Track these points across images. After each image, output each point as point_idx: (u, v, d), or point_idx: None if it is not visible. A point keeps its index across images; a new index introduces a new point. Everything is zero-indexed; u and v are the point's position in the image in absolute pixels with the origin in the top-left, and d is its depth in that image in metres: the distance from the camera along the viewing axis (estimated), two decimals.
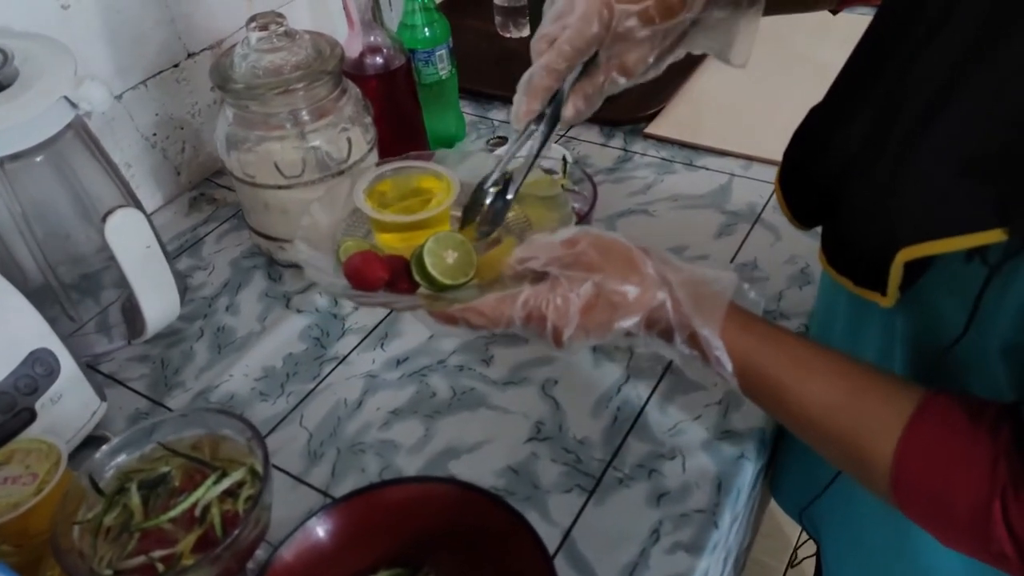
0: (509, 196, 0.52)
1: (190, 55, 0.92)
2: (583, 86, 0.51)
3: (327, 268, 0.49)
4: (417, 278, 0.47)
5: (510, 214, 0.53)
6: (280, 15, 0.73)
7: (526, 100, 0.50)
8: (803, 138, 0.56)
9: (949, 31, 0.42)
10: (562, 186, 0.76)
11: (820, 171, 0.53)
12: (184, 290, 0.82)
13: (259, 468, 0.50)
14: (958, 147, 0.39)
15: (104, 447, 0.51)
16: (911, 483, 0.41)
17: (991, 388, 0.43)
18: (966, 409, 0.40)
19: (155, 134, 0.92)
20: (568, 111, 0.51)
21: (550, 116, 0.51)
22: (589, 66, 0.50)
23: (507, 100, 1.06)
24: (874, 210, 0.45)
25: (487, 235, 0.52)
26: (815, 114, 0.56)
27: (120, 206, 0.63)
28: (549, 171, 0.79)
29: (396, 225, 0.52)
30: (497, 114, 1.05)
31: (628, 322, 0.44)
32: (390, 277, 0.47)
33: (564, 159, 0.78)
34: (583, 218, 0.73)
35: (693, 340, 0.44)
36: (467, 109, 1.05)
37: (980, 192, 0.38)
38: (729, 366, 0.44)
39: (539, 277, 0.45)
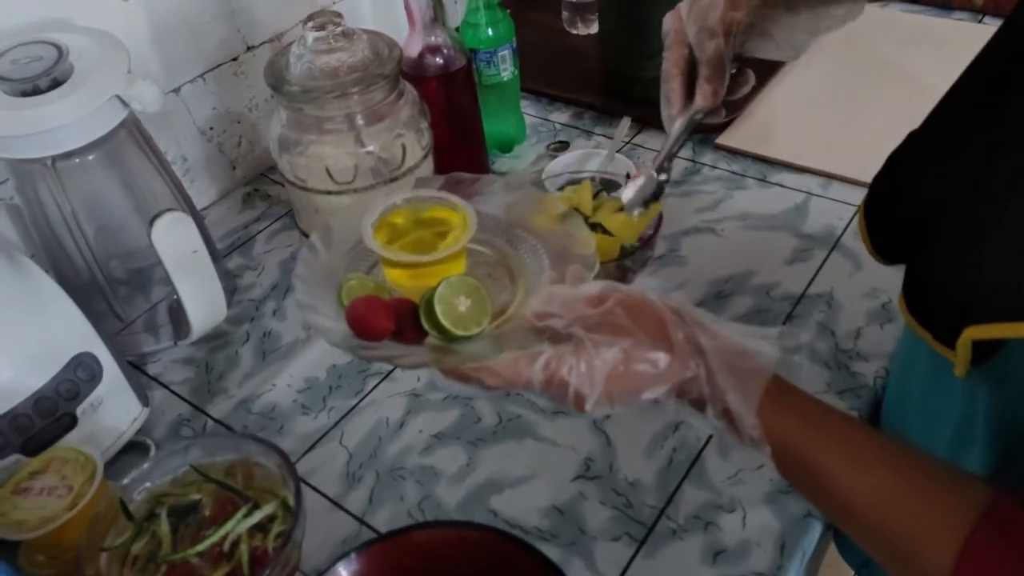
0: (663, 176, 0.62)
1: (249, 48, 0.91)
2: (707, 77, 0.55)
3: (327, 311, 0.45)
4: (426, 326, 0.43)
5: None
6: (338, 15, 0.70)
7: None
8: (896, 165, 0.51)
9: None
10: (622, 207, 0.72)
11: (910, 205, 0.47)
12: (233, 291, 0.81)
13: (291, 502, 0.48)
14: None
15: (134, 472, 0.49)
16: None
17: None
18: None
19: (212, 128, 0.91)
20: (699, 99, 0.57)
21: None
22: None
23: (570, 102, 1.03)
24: (957, 264, 0.40)
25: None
26: (912, 140, 0.50)
27: (168, 210, 0.62)
28: (613, 183, 0.75)
29: (406, 263, 0.48)
30: (559, 116, 1.01)
31: (656, 392, 0.40)
32: (396, 326, 0.43)
33: (628, 176, 0.73)
34: (647, 243, 0.68)
35: (727, 414, 0.40)
36: (528, 110, 1.01)
37: None
38: (766, 449, 0.40)
39: (559, 335, 0.41)
